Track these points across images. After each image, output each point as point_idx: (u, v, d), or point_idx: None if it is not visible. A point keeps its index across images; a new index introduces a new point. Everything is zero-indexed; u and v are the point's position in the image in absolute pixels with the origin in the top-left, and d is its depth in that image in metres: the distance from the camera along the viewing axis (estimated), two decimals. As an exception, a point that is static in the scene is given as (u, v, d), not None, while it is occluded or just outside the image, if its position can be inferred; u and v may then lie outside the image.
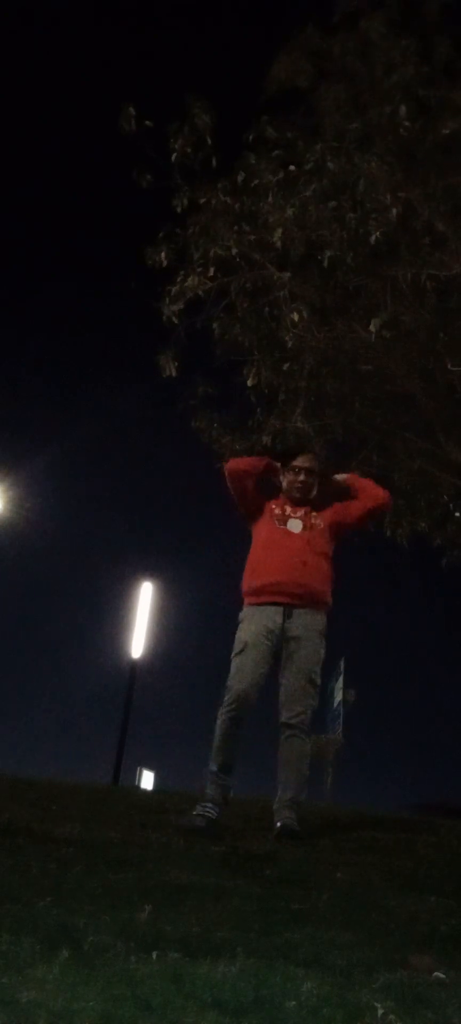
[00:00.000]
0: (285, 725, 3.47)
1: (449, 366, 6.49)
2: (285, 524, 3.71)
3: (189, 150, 6.38)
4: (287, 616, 3.55)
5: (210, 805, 3.33)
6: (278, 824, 3.27)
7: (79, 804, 3.72)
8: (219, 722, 3.47)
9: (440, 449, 7.14)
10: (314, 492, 3.83)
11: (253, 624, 3.57)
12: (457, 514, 7.87)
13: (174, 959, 1.24)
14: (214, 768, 3.44)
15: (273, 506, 3.79)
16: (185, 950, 1.28)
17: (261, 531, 3.77)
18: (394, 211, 5.78)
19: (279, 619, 3.53)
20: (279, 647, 3.52)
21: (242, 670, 3.47)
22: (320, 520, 3.76)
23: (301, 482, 3.77)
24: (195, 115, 6.30)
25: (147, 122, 6.28)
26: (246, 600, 3.69)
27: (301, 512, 3.75)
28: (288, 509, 3.77)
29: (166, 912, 1.55)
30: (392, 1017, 1.06)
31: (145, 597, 16.83)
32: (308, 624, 3.56)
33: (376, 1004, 1.09)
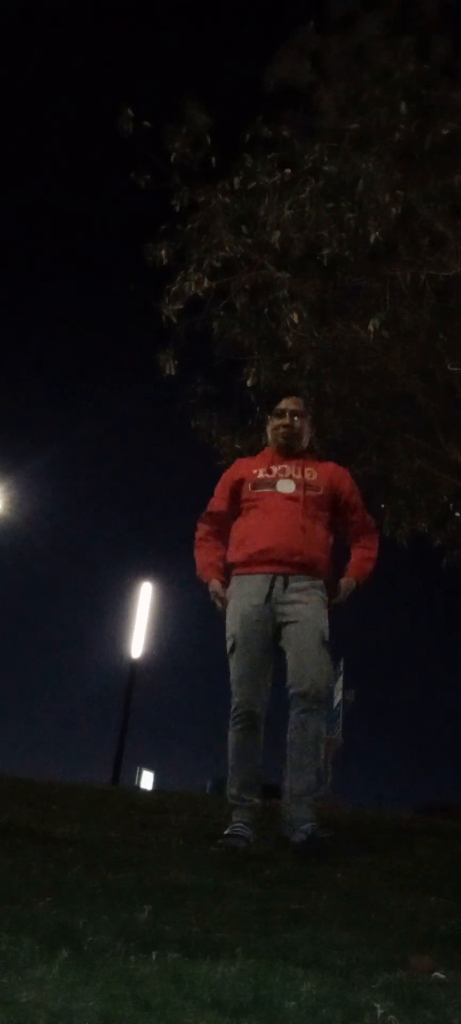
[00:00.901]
0: (296, 698, 2.94)
1: (449, 366, 6.50)
2: (274, 486, 3.19)
3: (188, 150, 6.39)
4: (281, 586, 3.05)
5: (240, 825, 2.89)
6: (297, 838, 2.77)
7: (79, 804, 3.72)
8: (230, 738, 3.07)
9: (440, 449, 7.14)
10: (305, 440, 3.35)
11: (239, 602, 3.08)
12: (457, 514, 7.87)
13: (174, 959, 1.24)
14: (233, 791, 2.99)
15: (255, 470, 3.26)
16: (185, 950, 1.28)
17: (248, 502, 3.23)
18: (393, 211, 5.78)
19: (267, 589, 3.04)
20: (274, 623, 3.04)
21: (240, 675, 3.05)
22: (316, 473, 3.24)
23: (286, 425, 3.27)
24: (193, 115, 6.30)
25: (145, 123, 6.28)
26: (233, 573, 3.21)
27: (292, 467, 3.23)
28: (276, 468, 3.24)
29: (166, 912, 1.55)
30: (392, 1017, 1.05)
31: (145, 597, 16.85)
32: (307, 587, 3.06)
33: (376, 1004, 1.09)
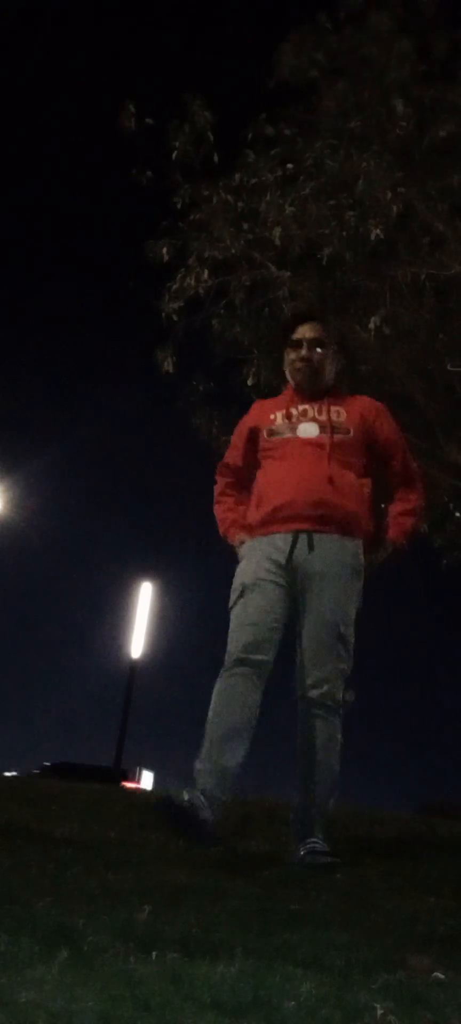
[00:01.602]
0: (304, 700, 2.52)
1: (448, 366, 6.50)
2: (294, 432, 2.70)
3: (189, 148, 6.39)
4: (305, 547, 2.56)
5: (199, 796, 2.35)
6: (302, 852, 2.44)
7: (78, 804, 3.72)
8: (215, 690, 2.50)
9: (439, 449, 7.14)
10: (330, 373, 2.83)
11: (253, 561, 2.61)
12: (457, 514, 7.88)
13: (173, 959, 1.23)
14: (202, 753, 2.43)
15: (272, 415, 2.79)
16: (184, 950, 1.28)
17: (264, 452, 2.78)
18: (394, 209, 5.78)
19: (288, 549, 2.55)
20: (294, 589, 2.56)
21: (243, 619, 2.53)
22: (344, 413, 2.74)
23: (305, 358, 2.75)
24: (196, 113, 6.31)
25: (147, 120, 6.29)
26: (251, 535, 2.74)
27: (315, 408, 2.73)
28: (296, 410, 2.74)
29: (165, 912, 1.55)
30: (391, 1017, 1.05)
31: (145, 597, 16.86)
32: (336, 555, 2.56)
33: (375, 1004, 1.09)
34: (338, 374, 2.93)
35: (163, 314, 6.61)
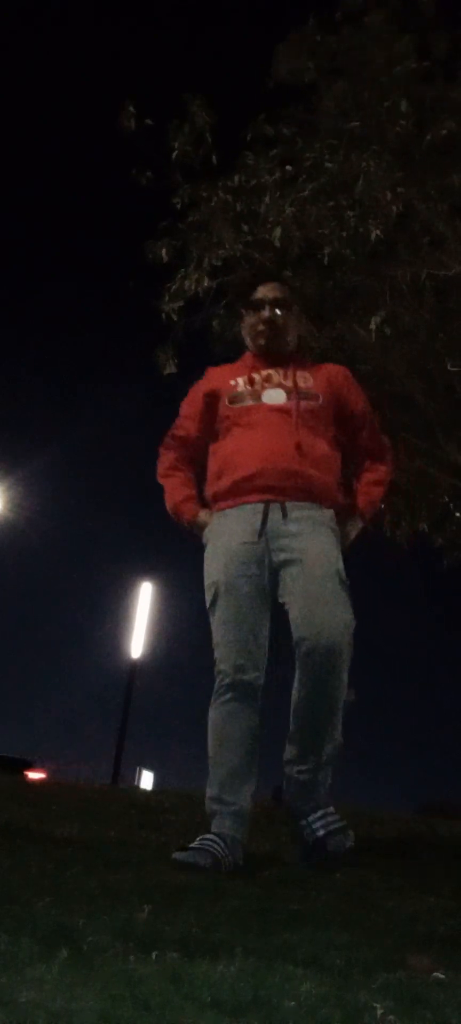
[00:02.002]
0: (305, 656, 2.26)
1: (448, 366, 6.50)
2: (259, 399, 2.50)
3: (189, 148, 6.39)
4: (278, 515, 2.37)
5: (210, 838, 2.22)
6: (319, 831, 2.26)
7: (78, 804, 3.72)
8: (210, 718, 2.36)
9: (440, 450, 7.14)
10: (293, 337, 2.67)
11: (222, 541, 2.40)
12: (457, 514, 7.88)
13: (173, 959, 1.23)
14: (213, 791, 2.30)
15: (233, 380, 2.56)
16: (184, 950, 1.28)
17: (226, 421, 2.53)
18: (394, 209, 5.78)
19: (260, 522, 2.36)
20: (271, 565, 2.36)
21: (224, 632, 2.34)
22: (311, 379, 2.56)
23: (267, 320, 2.58)
24: (195, 113, 6.31)
25: (147, 120, 6.29)
26: (212, 508, 2.53)
27: (281, 373, 2.55)
28: (259, 376, 2.54)
29: (165, 912, 1.55)
30: (391, 1017, 1.05)
31: (145, 597, 16.86)
32: (312, 517, 2.39)
33: (375, 1004, 1.09)
34: (301, 339, 2.77)
35: (163, 314, 6.61)
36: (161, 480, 2.67)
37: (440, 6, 6.26)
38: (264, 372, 2.56)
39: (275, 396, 2.50)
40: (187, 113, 6.37)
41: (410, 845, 3.31)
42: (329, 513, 2.45)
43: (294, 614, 2.31)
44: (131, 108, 6.30)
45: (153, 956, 1.25)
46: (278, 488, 2.39)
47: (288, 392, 2.50)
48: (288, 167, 6.25)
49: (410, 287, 6.31)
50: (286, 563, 2.35)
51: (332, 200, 6.10)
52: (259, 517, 2.38)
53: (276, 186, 6.26)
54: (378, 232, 5.77)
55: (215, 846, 2.19)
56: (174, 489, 2.63)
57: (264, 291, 2.64)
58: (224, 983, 1.12)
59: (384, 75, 6.11)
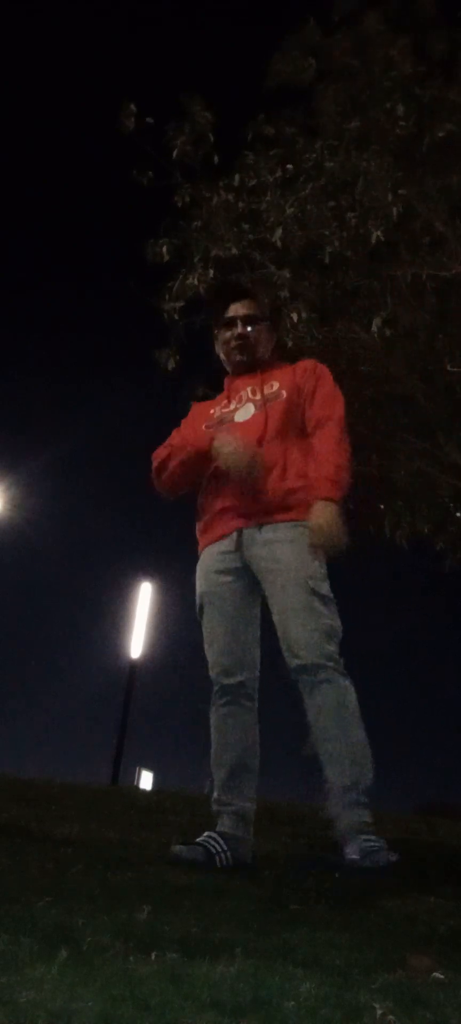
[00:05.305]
0: (298, 671, 2.29)
1: (448, 367, 6.50)
2: (232, 419, 2.55)
3: (190, 147, 6.39)
4: (252, 532, 2.42)
5: (213, 838, 2.29)
6: (350, 854, 2.16)
7: (78, 804, 3.72)
8: (211, 724, 2.46)
9: (440, 450, 7.14)
10: (265, 348, 2.68)
11: (201, 571, 2.53)
12: (457, 515, 7.87)
13: (173, 959, 1.23)
14: (216, 793, 2.39)
15: (212, 410, 2.65)
16: (184, 950, 1.28)
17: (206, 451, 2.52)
18: (394, 210, 5.79)
19: (233, 546, 2.44)
20: (251, 571, 2.43)
21: (211, 638, 2.44)
22: (277, 382, 2.57)
23: (239, 336, 2.61)
24: (197, 113, 6.31)
25: (148, 119, 6.28)
26: (198, 548, 2.63)
27: (249, 387, 2.58)
28: (232, 402, 2.59)
29: (165, 912, 1.55)
30: (391, 1017, 1.05)
31: (144, 597, 16.84)
32: (286, 529, 2.39)
33: (374, 1004, 1.09)
34: (273, 349, 2.76)
35: (164, 314, 6.61)
36: (160, 462, 2.65)
37: (439, 6, 6.27)
38: (236, 396, 2.60)
39: (244, 412, 2.54)
40: (188, 113, 6.37)
41: (410, 845, 3.31)
42: (303, 524, 2.40)
43: (280, 637, 2.36)
44: (132, 107, 6.30)
45: (153, 956, 1.24)
46: (250, 513, 2.44)
47: (257, 405, 2.53)
48: (289, 167, 6.25)
49: (410, 288, 6.30)
50: (263, 572, 2.41)
51: (333, 200, 6.10)
52: (233, 541, 2.46)
53: (277, 185, 6.26)
54: (379, 233, 5.77)
55: (211, 842, 2.28)
56: (175, 447, 2.62)
57: (235, 308, 2.66)
58: (224, 983, 1.12)
59: (383, 76, 6.11)
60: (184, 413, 2.83)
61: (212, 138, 6.37)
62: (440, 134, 5.84)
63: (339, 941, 1.45)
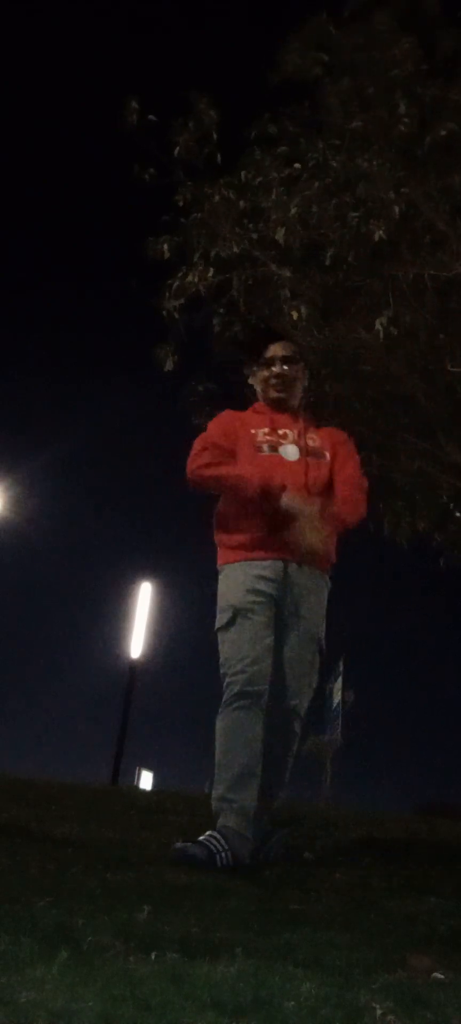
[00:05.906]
0: (284, 711, 2.58)
1: (449, 367, 6.49)
2: (276, 451, 2.72)
3: (193, 145, 6.38)
4: (295, 570, 2.63)
5: (215, 839, 2.34)
6: (277, 848, 2.59)
7: (78, 804, 3.72)
8: (219, 725, 2.52)
9: (440, 450, 7.13)
10: (299, 390, 2.91)
11: (240, 582, 2.62)
12: (458, 514, 7.87)
13: (173, 959, 1.23)
14: (219, 792, 2.45)
15: (253, 431, 2.78)
16: (184, 950, 1.28)
17: (243, 464, 2.70)
18: (396, 208, 5.78)
19: (274, 575, 2.60)
20: (275, 613, 2.61)
21: (240, 646, 2.54)
22: (318, 440, 2.82)
23: (279, 375, 2.83)
24: (201, 110, 6.30)
25: (151, 116, 6.27)
26: (226, 556, 2.72)
27: (294, 432, 2.78)
28: (277, 434, 2.76)
29: (165, 912, 1.55)
30: (391, 1017, 1.05)
31: (144, 597, 16.82)
32: (314, 583, 2.68)
33: (375, 1004, 1.09)
34: (305, 391, 3.01)
35: (164, 312, 6.60)
36: (205, 471, 2.73)
37: (445, 5, 6.26)
38: (280, 430, 2.79)
39: (291, 452, 2.75)
40: (192, 111, 6.35)
41: (410, 845, 3.32)
42: (326, 583, 2.75)
43: (280, 671, 2.60)
44: (134, 104, 6.28)
45: (153, 956, 1.24)
46: (294, 550, 2.61)
47: (301, 450, 2.77)
48: (296, 165, 6.23)
49: (412, 288, 6.30)
50: (287, 615, 2.63)
51: (335, 199, 6.09)
52: (281, 571, 2.63)
53: (281, 183, 6.24)
54: (381, 232, 5.76)
55: (213, 841, 2.33)
56: (229, 469, 2.72)
57: (274, 349, 2.90)
58: (224, 983, 1.12)
59: (387, 74, 6.10)
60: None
61: (216, 136, 6.36)
62: (442, 133, 5.83)
63: (339, 941, 1.45)
